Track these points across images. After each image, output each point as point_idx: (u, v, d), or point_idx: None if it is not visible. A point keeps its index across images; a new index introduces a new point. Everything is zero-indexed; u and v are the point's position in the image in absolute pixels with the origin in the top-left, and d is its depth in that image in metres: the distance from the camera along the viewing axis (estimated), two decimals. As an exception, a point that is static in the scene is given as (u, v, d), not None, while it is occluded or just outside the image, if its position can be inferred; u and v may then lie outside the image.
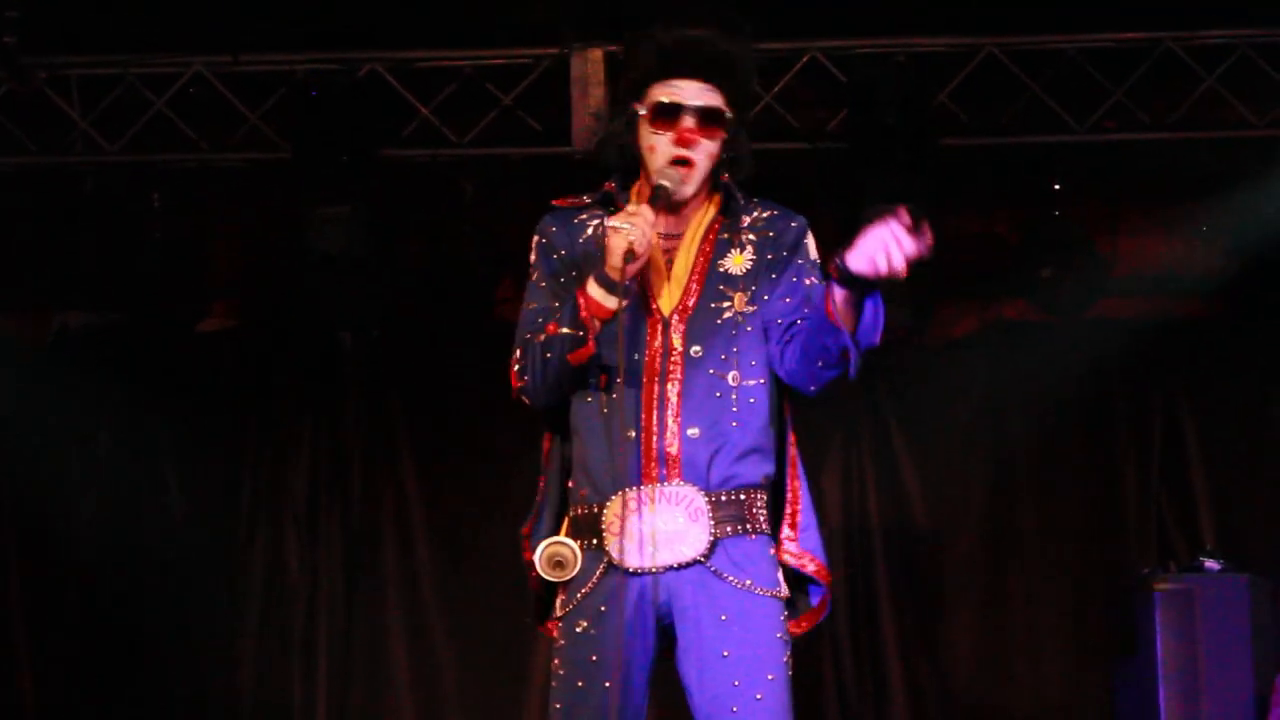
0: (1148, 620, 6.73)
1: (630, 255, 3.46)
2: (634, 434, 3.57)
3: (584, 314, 3.51)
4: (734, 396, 3.60)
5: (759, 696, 3.53)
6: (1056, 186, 7.42)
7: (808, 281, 3.67)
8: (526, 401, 3.66)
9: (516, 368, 3.64)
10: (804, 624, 3.71)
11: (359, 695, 7.72)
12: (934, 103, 7.04)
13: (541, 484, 3.74)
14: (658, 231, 3.57)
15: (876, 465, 7.72)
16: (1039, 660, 7.66)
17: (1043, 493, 7.73)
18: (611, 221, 3.51)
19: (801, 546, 3.67)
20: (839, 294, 3.44)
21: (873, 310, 3.45)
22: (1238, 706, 6.61)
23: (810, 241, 3.73)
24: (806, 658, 7.68)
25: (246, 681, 7.71)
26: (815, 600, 3.73)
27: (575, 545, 3.60)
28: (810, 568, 3.68)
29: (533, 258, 3.74)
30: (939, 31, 7.05)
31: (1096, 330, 7.62)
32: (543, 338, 3.57)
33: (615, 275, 3.47)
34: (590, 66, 6.93)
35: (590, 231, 3.70)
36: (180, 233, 7.45)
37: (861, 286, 3.41)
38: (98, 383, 7.56)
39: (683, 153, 3.60)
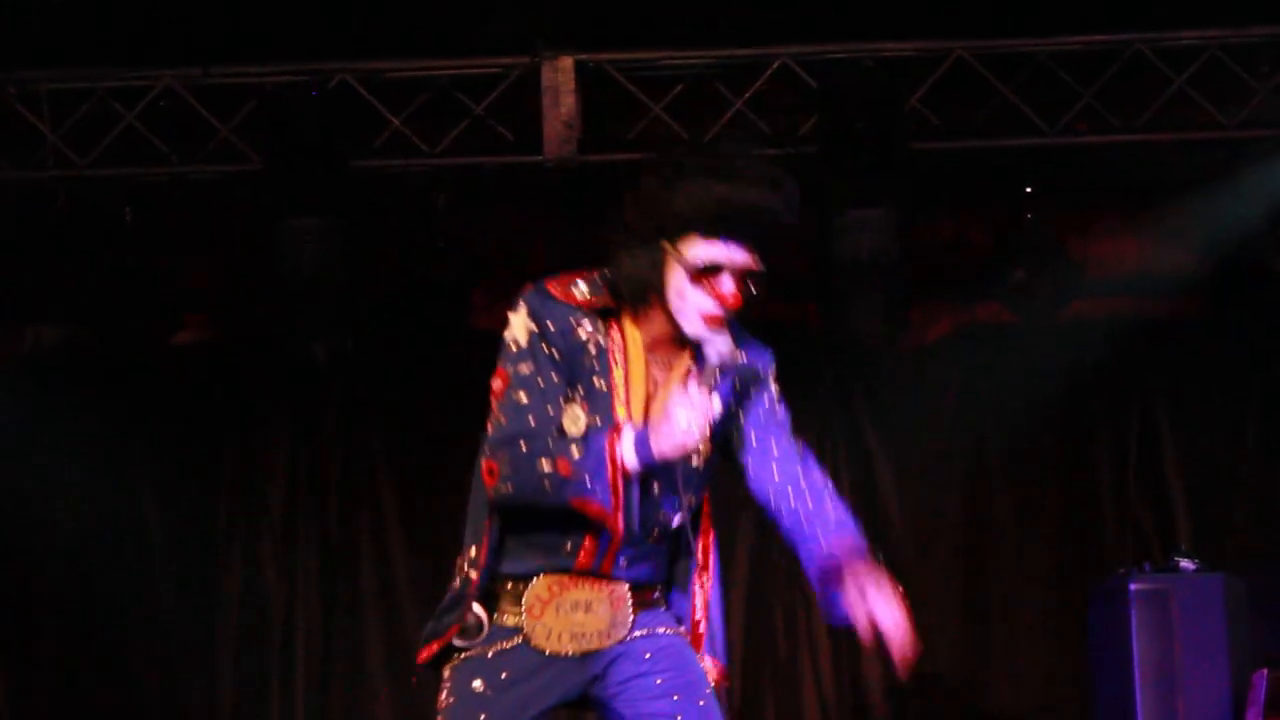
0: (1124, 620, 6.72)
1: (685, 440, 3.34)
2: (569, 546, 3.48)
3: (612, 476, 3.32)
4: (670, 533, 3.56)
5: (701, 703, 3.53)
6: (1028, 189, 7.44)
7: (778, 409, 3.64)
8: (499, 499, 3.45)
9: (503, 470, 3.39)
10: None
11: (337, 709, 7.72)
12: (904, 107, 7.04)
13: (468, 588, 3.53)
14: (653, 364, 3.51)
15: (851, 469, 7.73)
16: (1016, 660, 7.70)
17: (1018, 494, 7.76)
18: (685, 398, 3.33)
19: (705, 651, 3.64)
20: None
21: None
22: (1214, 705, 6.62)
23: (772, 382, 3.63)
24: (787, 665, 7.78)
25: (225, 695, 7.71)
26: None
27: (482, 612, 3.49)
28: (713, 674, 3.65)
29: (522, 340, 3.43)
30: (908, 36, 7.06)
31: (1070, 332, 7.63)
32: (549, 469, 3.34)
33: (666, 449, 3.32)
34: (561, 75, 6.95)
35: (584, 338, 3.45)
36: (153, 246, 7.45)
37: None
38: (72, 397, 7.55)
39: (718, 314, 3.41)
